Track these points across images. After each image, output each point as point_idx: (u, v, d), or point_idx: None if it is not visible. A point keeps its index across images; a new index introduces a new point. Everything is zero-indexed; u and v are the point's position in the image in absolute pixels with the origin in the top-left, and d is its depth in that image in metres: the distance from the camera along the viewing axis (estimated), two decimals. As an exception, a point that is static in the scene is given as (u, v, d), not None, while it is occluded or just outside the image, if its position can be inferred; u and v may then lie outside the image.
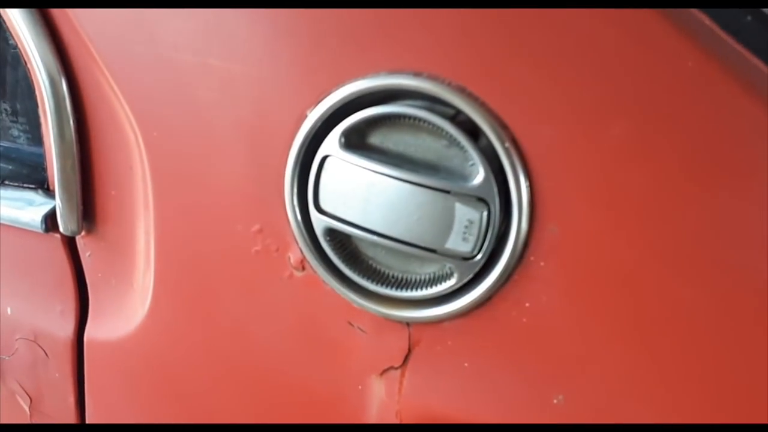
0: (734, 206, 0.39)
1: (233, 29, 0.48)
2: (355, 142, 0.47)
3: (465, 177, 0.45)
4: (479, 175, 0.44)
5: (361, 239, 0.48)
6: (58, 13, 0.54)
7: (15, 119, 0.66)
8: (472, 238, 0.44)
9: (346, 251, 0.49)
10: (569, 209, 0.43)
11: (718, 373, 0.41)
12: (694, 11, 0.41)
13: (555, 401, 0.45)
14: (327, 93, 0.46)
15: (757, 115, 0.39)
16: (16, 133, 0.67)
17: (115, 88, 0.52)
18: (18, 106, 0.66)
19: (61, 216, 0.58)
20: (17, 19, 0.54)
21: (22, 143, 0.68)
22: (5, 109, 0.66)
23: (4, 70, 0.64)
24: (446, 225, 0.44)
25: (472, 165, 0.44)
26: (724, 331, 0.40)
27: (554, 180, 0.43)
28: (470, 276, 0.45)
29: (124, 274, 0.61)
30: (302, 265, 0.51)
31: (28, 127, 0.66)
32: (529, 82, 0.42)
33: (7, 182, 0.65)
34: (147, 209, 0.55)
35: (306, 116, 0.47)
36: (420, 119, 0.44)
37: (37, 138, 0.66)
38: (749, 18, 0.41)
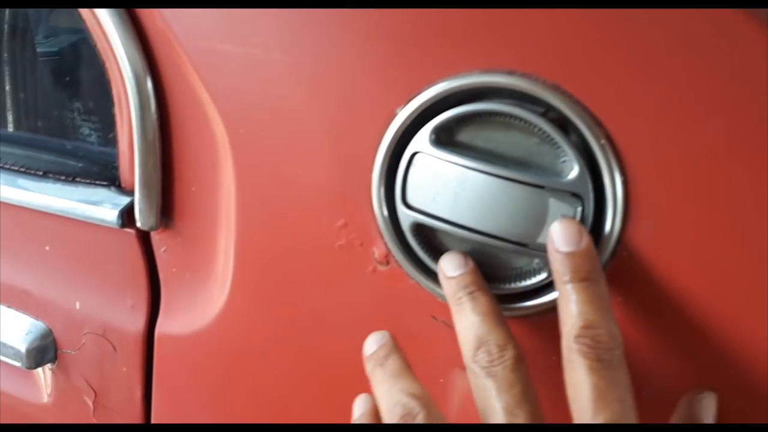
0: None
1: (324, 28, 0.49)
2: (445, 139, 0.47)
3: (557, 173, 0.45)
4: (573, 170, 0.44)
5: (448, 234, 0.49)
6: (144, 11, 0.55)
7: (87, 118, 0.68)
8: (564, 233, 0.45)
9: (432, 246, 0.50)
10: (663, 205, 0.44)
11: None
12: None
13: (644, 393, 0.46)
14: (417, 91, 0.47)
15: None
16: (87, 131, 0.69)
17: (202, 86, 0.53)
18: (91, 105, 0.67)
19: (139, 212, 0.59)
20: (103, 19, 0.55)
21: (93, 141, 0.69)
22: (77, 108, 0.68)
23: (79, 71, 0.66)
24: (539, 220, 0.45)
25: (564, 162, 0.45)
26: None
27: (649, 176, 0.44)
28: (561, 271, 0.46)
29: (199, 269, 0.62)
30: (387, 259, 0.51)
31: (100, 126, 0.67)
32: (624, 79, 0.43)
33: (78, 179, 0.66)
34: (229, 205, 0.56)
35: (395, 114, 0.48)
36: (513, 116, 0.45)
37: (108, 136, 0.68)
38: None
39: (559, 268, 0.42)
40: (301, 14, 0.49)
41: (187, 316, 0.63)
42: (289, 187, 0.53)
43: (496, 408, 0.41)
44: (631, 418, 0.39)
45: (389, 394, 0.44)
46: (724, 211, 0.42)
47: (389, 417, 0.43)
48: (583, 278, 0.41)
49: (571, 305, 0.41)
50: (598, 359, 0.39)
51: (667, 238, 0.44)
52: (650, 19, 0.42)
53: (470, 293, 0.45)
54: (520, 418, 0.40)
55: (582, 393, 0.39)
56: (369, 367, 0.47)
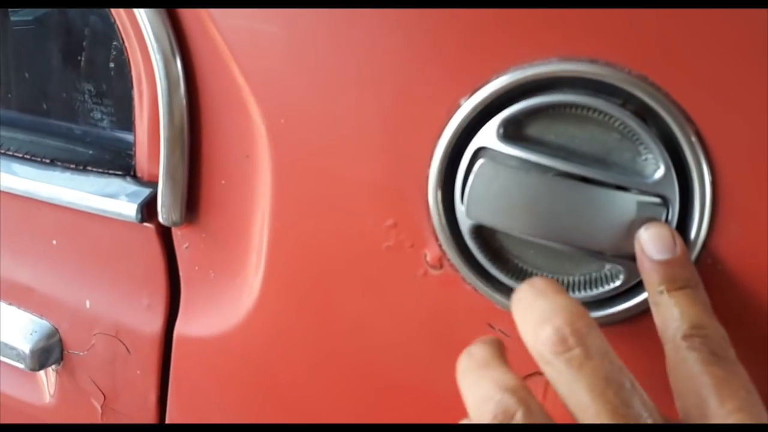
0: None
1: (379, 11, 0.44)
2: (513, 133, 0.43)
3: (639, 173, 0.42)
4: (659, 170, 0.41)
5: (510, 237, 0.45)
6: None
7: (99, 101, 0.62)
8: (646, 239, 0.41)
9: (491, 249, 0.46)
10: (754, 210, 0.40)
11: None
12: None
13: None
14: (486, 81, 0.43)
15: None
16: (98, 116, 0.63)
17: (238, 70, 0.49)
18: (104, 87, 0.62)
19: (162, 206, 0.54)
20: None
21: (105, 126, 0.64)
22: (88, 90, 0.62)
23: (93, 49, 0.60)
24: (620, 225, 0.41)
25: (646, 160, 0.41)
26: None
27: (740, 177, 0.40)
28: (638, 279, 0.42)
29: (226, 269, 0.57)
30: (440, 262, 0.47)
31: (113, 110, 0.62)
32: (717, 73, 0.39)
33: (89, 168, 0.61)
34: (263, 200, 0.52)
35: (459, 106, 0.44)
36: (590, 108, 0.41)
37: (123, 121, 0.63)
38: None
39: (655, 277, 0.39)
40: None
41: (210, 317, 0.59)
42: (332, 182, 0.49)
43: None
44: (761, 411, 0.34)
45: (477, 388, 0.36)
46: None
47: (478, 416, 0.35)
48: (681, 286, 0.38)
49: (672, 310, 0.37)
50: (713, 353, 0.35)
51: (755, 246, 0.41)
52: (749, 12, 0.38)
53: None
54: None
55: (701, 383, 0.34)
56: (458, 362, 0.39)
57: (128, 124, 0.58)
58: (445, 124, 0.44)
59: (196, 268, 0.58)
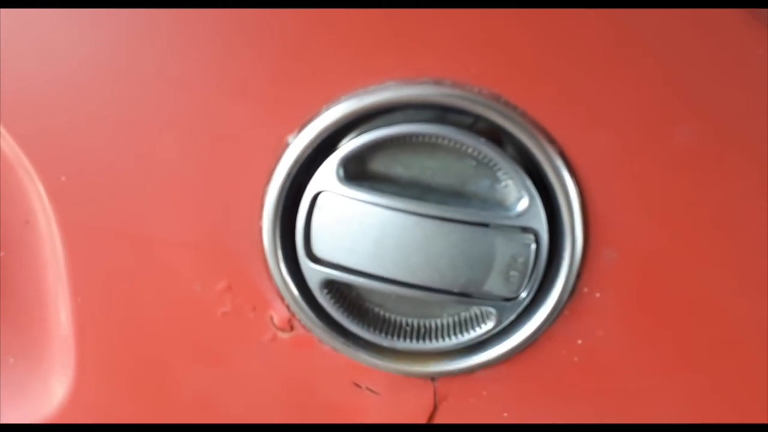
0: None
1: (170, 33, 0.35)
2: (355, 171, 0.36)
3: (500, 202, 0.36)
4: (522, 200, 0.36)
5: (370, 289, 0.38)
6: None
7: None
8: (517, 276, 0.36)
9: (347, 302, 0.39)
10: (628, 230, 0.36)
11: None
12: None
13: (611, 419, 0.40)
14: (315, 114, 0.35)
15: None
16: None
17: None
18: None
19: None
20: None
21: None
22: None
23: None
24: (485, 265, 0.36)
25: (506, 186, 0.36)
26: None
27: (610, 198, 0.36)
28: (512, 318, 0.38)
29: (27, 353, 0.46)
30: (290, 324, 0.40)
31: None
32: (578, 87, 0.34)
33: None
34: (57, 272, 0.41)
35: (288, 144, 0.36)
36: (441, 137, 0.35)
37: None
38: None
39: None
40: (131, 16, 0.35)
41: (26, 405, 0.48)
42: (141, 245, 0.39)
43: None
44: None
45: None
46: (697, 230, 0.36)
47: None
48: None
49: None
50: None
51: (633, 266, 0.37)
52: (606, 17, 0.33)
53: None
54: None
55: None
56: None
57: None
58: (274, 168, 0.36)
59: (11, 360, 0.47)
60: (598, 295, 0.37)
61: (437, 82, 0.34)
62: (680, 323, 0.37)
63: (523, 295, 0.37)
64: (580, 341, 0.38)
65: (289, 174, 0.36)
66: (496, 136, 0.36)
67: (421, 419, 0.41)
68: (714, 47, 0.33)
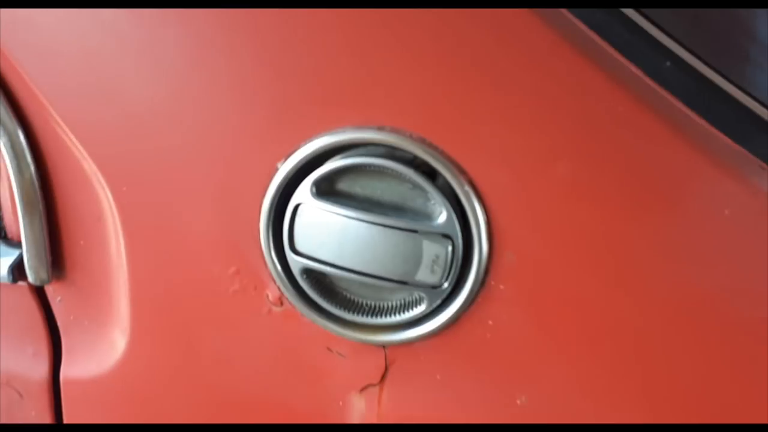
0: (665, 231, 0.46)
1: (204, 89, 0.51)
2: (325, 189, 0.51)
3: (429, 215, 0.50)
4: (442, 214, 0.49)
5: (337, 276, 0.52)
6: (6, 67, 0.54)
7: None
8: (439, 270, 0.49)
9: (322, 286, 0.53)
10: (523, 239, 0.49)
11: (658, 375, 0.48)
12: (620, 59, 0.47)
13: (519, 402, 0.52)
14: (296, 147, 0.50)
15: (681, 150, 0.45)
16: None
17: (78, 145, 0.54)
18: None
19: (29, 268, 0.59)
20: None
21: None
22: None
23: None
24: (415, 260, 0.49)
25: (433, 204, 0.50)
26: (662, 337, 0.47)
27: (509, 215, 0.49)
28: (438, 302, 0.51)
29: (98, 316, 0.63)
30: (280, 301, 0.55)
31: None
32: (482, 131, 0.47)
33: (-42, 232, 0.65)
34: (119, 257, 0.57)
35: (277, 169, 0.51)
36: (385, 168, 0.49)
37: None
38: (668, 64, 0.47)
39: None
40: (180, 74, 0.50)
41: (91, 360, 0.64)
42: (177, 238, 0.55)
43: None
44: None
45: None
46: (574, 241, 0.48)
47: None
48: None
49: None
50: None
51: (528, 267, 0.49)
52: (500, 77, 0.46)
53: None
54: None
55: None
56: None
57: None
58: (268, 185, 0.51)
59: (72, 317, 0.64)
60: (502, 287, 0.50)
61: (380, 128, 0.48)
62: (563, 311, 0.49)
63: (445, 285, 0.50)
64: (490, 322, 0.51)
65: (278, 190, 0.51)
66: (431, 168, 0.49)
67: (376, 378, 0.55)
68: (583, 108, 0.46)
